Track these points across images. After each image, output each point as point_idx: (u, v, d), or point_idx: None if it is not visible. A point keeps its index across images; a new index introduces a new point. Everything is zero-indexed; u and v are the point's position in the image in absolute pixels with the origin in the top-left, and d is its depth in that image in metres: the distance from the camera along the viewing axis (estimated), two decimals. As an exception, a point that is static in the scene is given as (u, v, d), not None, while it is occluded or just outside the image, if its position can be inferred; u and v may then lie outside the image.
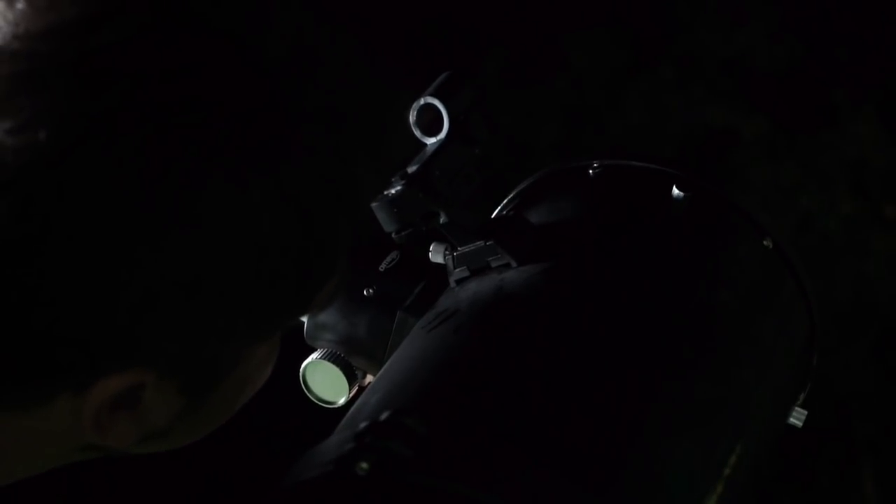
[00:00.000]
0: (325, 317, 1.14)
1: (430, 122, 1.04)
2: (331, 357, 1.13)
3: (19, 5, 0.82)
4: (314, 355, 1.14)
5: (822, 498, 2.80)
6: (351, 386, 1.14)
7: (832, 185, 3.10)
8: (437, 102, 1.03)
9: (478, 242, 1.04)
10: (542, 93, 3.23)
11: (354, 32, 0.91)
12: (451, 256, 1.05)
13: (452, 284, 1.05)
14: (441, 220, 1.03)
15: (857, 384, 2.89)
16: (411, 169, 1.02)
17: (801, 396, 1.10)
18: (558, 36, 3.25)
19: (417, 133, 1.04)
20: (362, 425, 0.87)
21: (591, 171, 1.11)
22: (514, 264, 1.03)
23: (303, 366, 1.14)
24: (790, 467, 2.71)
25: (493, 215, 1.13)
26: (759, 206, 1.07)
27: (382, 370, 1.02)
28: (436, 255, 1.07)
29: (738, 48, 3.24)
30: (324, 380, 1.14)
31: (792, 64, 3.22)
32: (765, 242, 1.07)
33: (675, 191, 1.05)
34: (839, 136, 3.14)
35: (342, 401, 1.14)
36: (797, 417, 1.08)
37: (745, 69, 3.23)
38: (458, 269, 1.05)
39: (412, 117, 1.03)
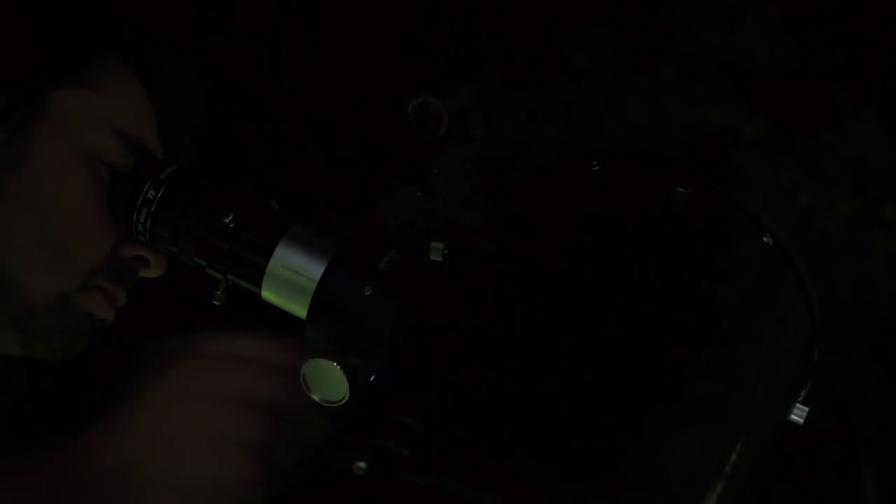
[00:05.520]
0: (325, 317, 1.14)
1: (428, 120, 1.04)
2: (331, 356, 1.13)
3: None
4: (314, 356, 1.14)
5: (822, 498, 2.80)
6: (351, 385, 1.14)
7: (832, 185, 3.10)
8: (435, 100, 1.03)
9: (477, 241, 1.04)
10: (542, 93, 3.23)
11: (355, 31, 0.91)
12: (449, 255, 1.05)
13: (451, 282, 1.05)
14: (440, 219, 1.04)
15: (857, 384, 2.89)
16: (410, 167, 1.03)
17: (803, 393, 1.10)
18: (558, 36, 3.25)
19: (416, 131, 1.04)
20: (361, 424, 0.87)
21: (591, 169, 1.11)
22: (513, 262, 1.03)
23: (303, 366, 1.14)
24: (790, 467, 2.71)
25: (492, 213, 1.13)
26: (760, 203, 1.07)
27: (382, 369, 1.02)
28: (435, 253, 1.07)
29: (738, 48, 3.24)
30: (324, 380, 1.14)
31: (792, 64, 3.22)
32: (765, 239, 1.07)
33: (676, 188, 1.06)
34: (839, 136, 3.14)
35: (342, 400, 1.14)
36: (798, 414, 1.08)
37: (745, 69, 3.23)
38: (456, 268, 1.05)
39: (411, 115, 1.04)
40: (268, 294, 1.18)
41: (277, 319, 1.19)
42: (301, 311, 1.15)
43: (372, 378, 1.12)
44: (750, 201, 1.07)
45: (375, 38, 2.33)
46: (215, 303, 1.22)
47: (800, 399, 1.09)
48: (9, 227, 1.21)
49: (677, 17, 3.26)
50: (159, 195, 1.21)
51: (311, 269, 1.15)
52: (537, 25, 3.22)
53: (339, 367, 1.12)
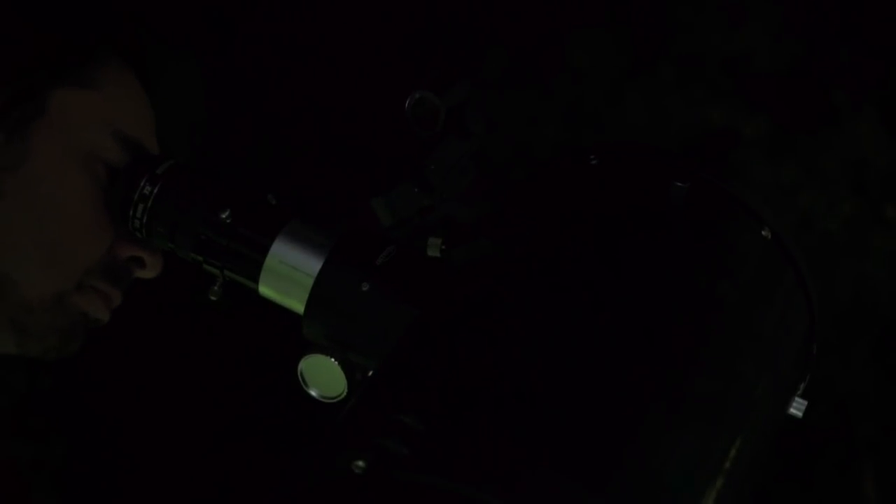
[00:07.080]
0: (323, 312, 1.14)
1: (425, 115, 1.04)
2: (328, 353, 1.13)
3: None
4: (312, 351, 1.14)
5: (822, 498, 2.80)
6: (349, 381, 1.14)
7: (832, 185, 3.09)
8: (432, 96, 1.03)
9: (474, 237, 1.04)
10: (542, 93, 3.23)
11: (354, 30, 0.91)
12: (447, 251, 1.05)
13: (449, 278, 1.05)
14: (437, 215, 1.03)
15: (857, 384, 2.88)
16: (407, 163, 1.02)
17: (802, 387, 1.10)
18: (558, 36, 3.25)
19: (413, 127, 1.04)
20: (359, 423, 0.87)
21: (589, 164, 1.10)
22: (511, 259, 1.03)
23: (300, 362, 1.14)
24: (790, 467, 2.71)
25: (490, 210, 1.13)
26: (758, 198, 1.07)
27: (380, 366, 1.02)
28: (432, 249, 1.07)
29: (738, 48, 3.24)
30: (322, 376, 1.14)
31: (792, 64, 3.22)
32: (764, 233, 1.07)
33: (675, 182, 1.05)
34: (839, 136, 3.14)
35: (340, 396, 1.14)
36: (797, 408, 1.08)
37: (745, 69, 3.22)
38: (454, 264, 1.05)
39: (408, 111, 1.03)
40: (265, 289, 1.17)
41: (275, 315, 1.19)
42: (298, 306, 1.15)
43: (370, 374, 1.12)
44: (748, 196, 1.07)
45: (374, 37, 2.33)
46: (212, 298, 1.22)
47: (799, 392, 1.09)
48: (6, 226, 1.22)
49: (677, 17, 3.26)
50: (156, 191, 1.21)
51: (309, 265, 1.14)
52: (537, 25, 3.22)
53: (336, 362, 1.12)
